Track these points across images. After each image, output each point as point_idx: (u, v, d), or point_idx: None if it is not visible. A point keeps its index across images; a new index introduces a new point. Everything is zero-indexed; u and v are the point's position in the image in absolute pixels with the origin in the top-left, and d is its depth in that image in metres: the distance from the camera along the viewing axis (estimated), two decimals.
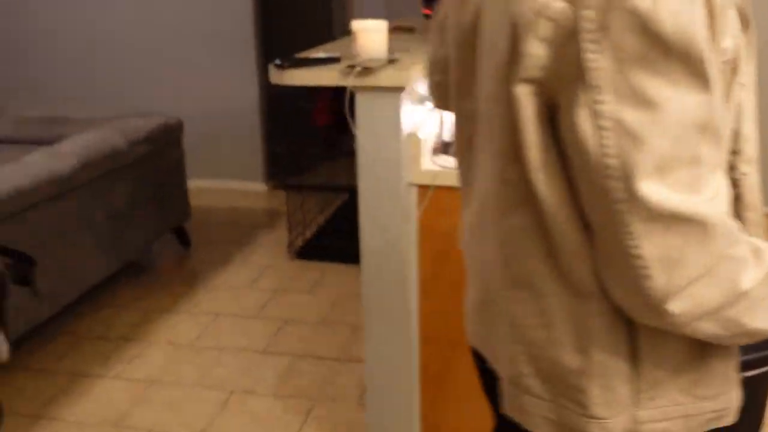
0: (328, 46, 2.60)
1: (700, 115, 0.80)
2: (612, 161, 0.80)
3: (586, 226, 0.90)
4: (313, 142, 4.97)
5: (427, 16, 4.07)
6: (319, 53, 2.31)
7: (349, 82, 2.00)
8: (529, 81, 0.86)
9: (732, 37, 0.88)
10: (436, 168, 2.16)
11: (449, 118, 2.28)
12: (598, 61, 0.79)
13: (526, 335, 1.00)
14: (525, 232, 0.96)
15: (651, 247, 0.81)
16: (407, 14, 4.75)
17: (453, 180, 2.16)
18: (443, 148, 2.28)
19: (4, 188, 2.87)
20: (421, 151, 2.15)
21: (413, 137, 2.12)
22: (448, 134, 2.28)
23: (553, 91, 0.86)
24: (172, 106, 5.10)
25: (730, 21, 0.87)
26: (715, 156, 0.83)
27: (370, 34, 2.11)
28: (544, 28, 0.82)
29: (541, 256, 0.95)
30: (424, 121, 2.31)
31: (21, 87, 5.57)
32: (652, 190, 0.79)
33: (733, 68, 0.90)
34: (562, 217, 0.91)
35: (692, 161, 0.80)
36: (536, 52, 0.84)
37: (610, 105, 0.79)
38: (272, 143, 5.45)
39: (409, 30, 3.30)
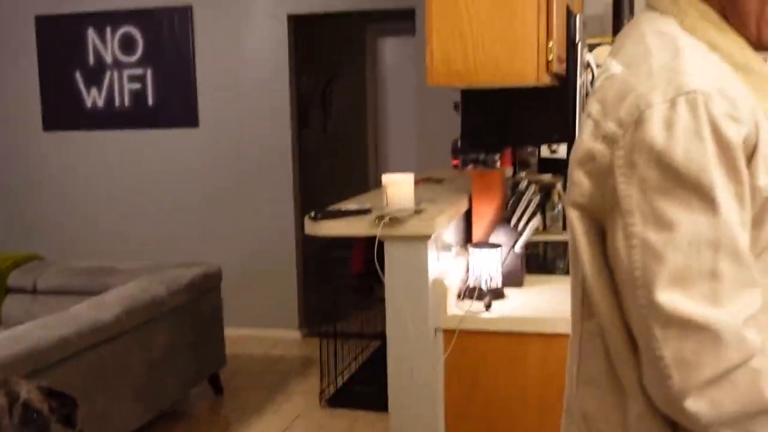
0: (361, 197, 2.73)
1: (712, 234, 0.92)
2: (638, 273, 0.95)
3: (629, 331, 1.02)
4: (347, 290, 5.05)
5: (456, 167, 4.25)
6: (351, 205, 2.43)
7: (378, 231, 2.10)
8: (577, 205, 1.05)
9: None
10: (461, 313, 2.21)
11: (473, 263, 2.35)
12: (628, 191, 0.96)
13: (592, 428, 1.12)
14: (593, 336, 1.10)
15: (670, 349, 0.92)
16: (438, 165, 4.94)
17: (478, 324, 2.20)
18: (468, 292, 2.34)
19: (51, 337, 2.97)
20: (447, 296, 2.21)
21: (439, 283, 2.19)
22: (473, 279, 2.34)
23: (599, 215, 1.03)
24: (212, 253, 5.26)
25: None
26: (739, 273, 0.93)
27: (398, 187, 2.23)
28: (589, 164, 1.02)
29: (603, 356, 1.08)
30: (450, 268, 2.39)
31: (69, 238, 5.79)
32: (668, 298, 0.92)
33: None
34: (610, 322, 1.04)
35: (711, 276, 0.92)
36: (582, 181, 1.03)
37: (638, 227, 0.95)
38: (308, 291, 5.54)
39: (438, 181, 3.45)
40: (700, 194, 0.92)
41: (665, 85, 0.95)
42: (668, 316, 0.92)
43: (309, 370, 4.80)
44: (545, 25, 2.13)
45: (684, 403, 0.93)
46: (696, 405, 0.93)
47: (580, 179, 1.03)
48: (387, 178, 2.23)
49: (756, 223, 0.98)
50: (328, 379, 4.37)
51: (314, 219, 2.18)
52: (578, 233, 1.06)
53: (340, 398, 4.25)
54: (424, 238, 2.12)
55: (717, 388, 0.92)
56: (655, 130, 0.93)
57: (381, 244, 2.14)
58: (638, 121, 0.95)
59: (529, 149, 4.12)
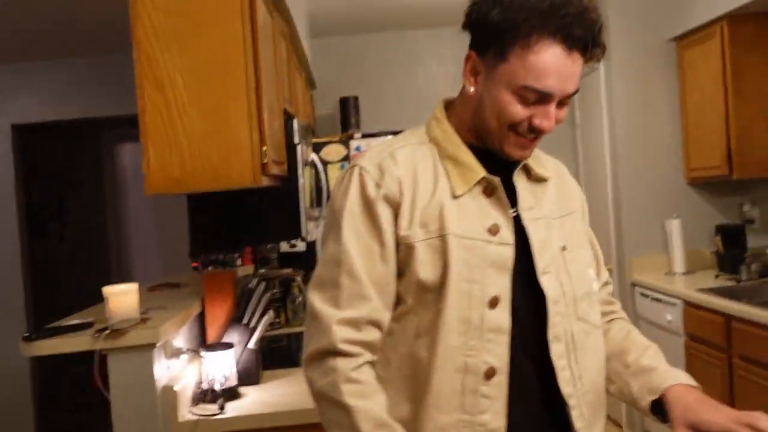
0: (87, 311, 2.57)
1: (338, 257, 1.30)
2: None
3: None
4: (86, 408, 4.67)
5: (195, 269, 4.17)
6: (74, 320, 2.29)
7: (99, 345, 1.98)
8: None
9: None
10: (195, 418, 2.14)
11: (206, 365, 2.29)
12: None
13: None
14: None
15: (305, 329, 1.33)
16: (183, 269, 4.82)
17: (212, 427, 2.14)
18: (203, 396, 2.27)
19: None
20: (178, 403, 2.13)
21: (169, 391, 2.10)
22: (206, 382, 2.28)
23: None
24: None
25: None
26: (354, 287, 1.28)
27: (121, 297, 2.13)
28: None
29: None
30: (183, 373, 2.31)
31: None
32: (311, 295, 1.33)
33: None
34: None
35: (334, 285, 1.30)
36: None
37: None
38: (42, 416, 5.04)
39: (175, 285, 3.35)
40: (336, 230, 1.32)
41: (353, 164, 1.37)
42: (309, 306, 1.32)
43: None
44: (258, 132, 2.20)
45: (304, 370, 1.31)
46: (307, 373, 1.30)
47: None
48: (108, 290, 2.12)
49: (403, 263, 1.31)
50: None
51: (28, 339, 2.01)
52: None
53: None
54: (149, 347, 2.04)
55: (313, 365, 1.28)
56: (333, 187, 1.40)
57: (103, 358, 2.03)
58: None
59: (269, 246, 4.17)
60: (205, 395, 2.26)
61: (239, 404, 2.25)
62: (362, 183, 1.32)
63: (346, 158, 4.42)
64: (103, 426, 4.94)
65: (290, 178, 2.86)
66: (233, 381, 2.32)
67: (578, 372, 1.32)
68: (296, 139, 2.92)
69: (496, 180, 1.32)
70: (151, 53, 2.16)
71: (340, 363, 1.25)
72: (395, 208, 1.30)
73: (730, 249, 4.09)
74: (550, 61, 1.23)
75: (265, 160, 2.23)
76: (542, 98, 1.26)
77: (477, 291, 1.27)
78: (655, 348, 1.44)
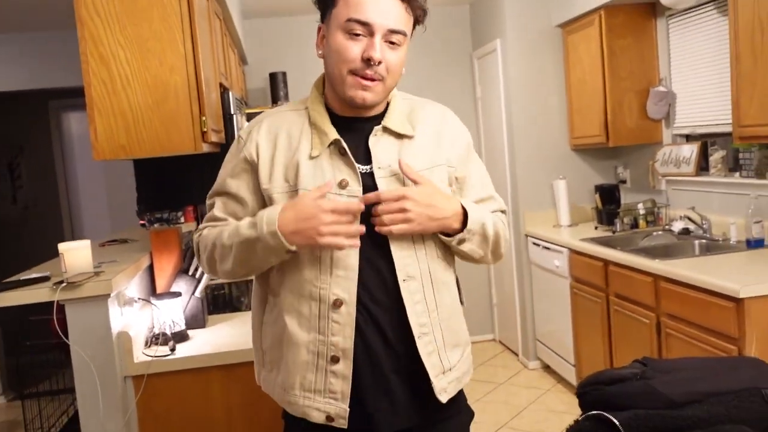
0: (42, 266, 2.48)
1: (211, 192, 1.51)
2: None
3: None
4: (53, 351, 4.53)
5: (143, 226, 4.06)
6: (31, 274, 2.21)
7: (57, 296, 1.93)
8: None
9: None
10: (149, 359, 2.11)
11: (156, 312, 2.26)
12: None
13: None
14: None
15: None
16: (130, 226, 4.68)
17: (165, 366, 2.12)
18: (155, 339, 2.24)
19: None
20: (133, 346, 2.09)
21: (124, 335, 2.07)
22: (157, 327, 2.25)
23: None
24: None
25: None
26: (211, 215, 1.48)
27: (75, 252, 2.07)
28: None
29: None
30: (136, 319, 2.27)
31: None
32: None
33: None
34: None
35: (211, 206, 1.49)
36: None
37: None
38: (9, 357, 4.88)
39: (123, 241, 3.27)
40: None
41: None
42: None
43: None
44: (198, 104, 2.15)
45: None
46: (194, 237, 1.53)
47: None
48: (63, 246, 2.06)
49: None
50: None
51: None
52: None
53: None
54: (104, 297, 2.00)
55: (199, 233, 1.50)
56: None
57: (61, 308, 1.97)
58: None
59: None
60: (157, 339, 2.23)
61: (188, 346, 2.23)
62: (235, 145, 1.48)
63: None
64: (65, 365, 4.82)
65: (227, 144, 2.81)
66: (182, 325, 2.30)
67: (434, 303, 1.39)
68: (232, 110, 2.86)
69: (343, 142, 1.37)
70: (95, 31, 2.08)
71: (196, 236, 1.51)
72: (253, 165, 1.41)
73: (606, 205, 4.26)
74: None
75: (205, 129, 2.19)
76: (366, 30, 1.30)
77: None
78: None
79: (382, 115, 1.42)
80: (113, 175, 4.90)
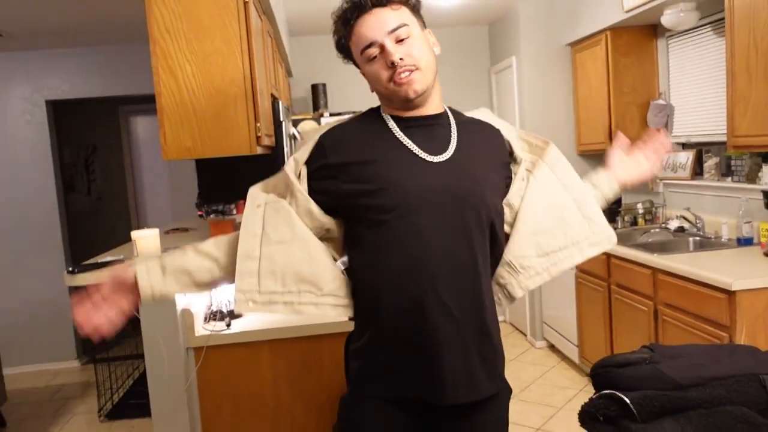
0: (115, 250, 2.52)
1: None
2: None
3: None
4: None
5: (201, 217, 4.10)
6: (106, 257, 2.24)
7: None
8: None
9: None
10: (207, 332, 2.13)
11: (214, 292, 2.28)
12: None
13: None
14: None
15: None
16: (189, 217, 4.73)
17: (222, 339, 2.14)
18: (212, 316, 2.26)
19: None
20: (194, 322, 2.12)
21: (187, 312, 2.09)
22: (215, 305, 2.27)
23: None
24: None
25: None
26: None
27: (146, 240, 2.09)
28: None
29: None
30: (196, 298, 2.29)
31: None
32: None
33: None
34: None
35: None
36: None
37: None
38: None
39: (185, 230, 3.30)
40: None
41: None
42: None
43: (88, 392, 4.30)
44: (253, 112, 2.16)
45: None
46: None
47: None
48: (136, 234, 2.08)
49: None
50: (105, 398, 3.95)
51: (71, 273, 1.96)
52: None
53: (118, 412, 3.86)
54: None
55: None
56: None
57: None
58: None
59: None
60: (215, 315, 2.25)
61: (242, 322, 2.25)
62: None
63: None
64: (131, 334, 4.90)
65: (277, 147, 2.82)
66: None
67: None
68: (281, 117, 2.87)
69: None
70: (165, 47, 2.09)
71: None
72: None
73: (609, 205, 4.19)
74: (361, 29, 1.28)
75: (259, 134, 2.20)
76: (377, 48, 1.26)
77: None
78: None
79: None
80: (176, 173, 4.95)
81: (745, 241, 3.04)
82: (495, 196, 1.31)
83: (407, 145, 1.27)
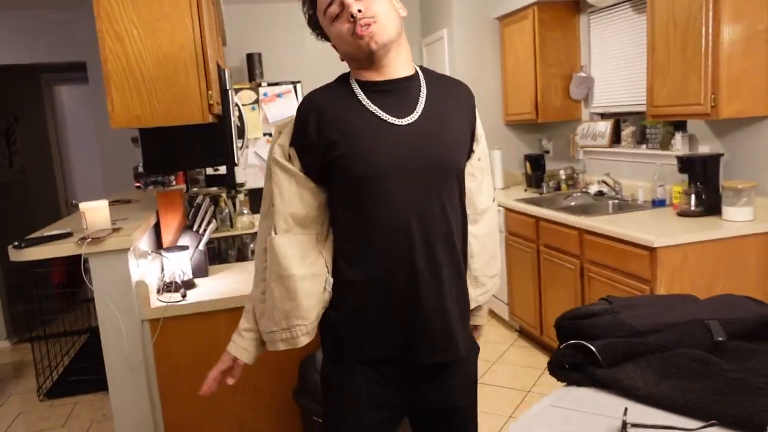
0: (57, 224, 2.35)
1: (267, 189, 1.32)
2: None
3: None
4: (50, 300, 4.34)
5: (139, 188, 3.89)
6: (52, 231, 2.08)
7: (84, 250, 1.83)
8: None
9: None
10: (162, 304, 2.04)
11: (167, 264, 2.18)
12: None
13: None
14: None
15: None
16: (123, 188, 4.49)
17: (177, 311, 2.05)
18: (166, 287, 2.17)
19: None
20: (149, 293, 2.02)
21: (141, 284, 1.99)
22: (168, 276, 2.18)
23: None
24: None
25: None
26: (274, 212, 1.28)
27: (96, 211, 1.96)
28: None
29: None
30: (148, 270, 2.19)
31: None
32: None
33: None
34: None
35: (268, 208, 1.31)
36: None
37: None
38: (13, 305, 4.65)
39: (127, 201, 3.13)
40: (269, 174, 1.33)
41: None
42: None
43: (23, 372, 4.05)
44: (205, 80, 2.05)
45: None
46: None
47: None
48: (84, 205, 1.94)
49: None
50: (44, 376, 3.74)
51: (18, 247, 1.82)
52: None
53: (58, 390, 3.66)
54: (125, 251, 1.91)
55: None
56: None
57: (85, 260, 1.87)
58: None
59: (197, 170, 3.96)
60: (169, 287, 2.15)
61: (196, 292, 2.17)
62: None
63: (256, 101, 4.22)
64: (65, 311, 4.60)
65: (224, 116, 2.70)
66: (189, 275, 2.23)
67: None
68: (228, 86, 2.74)
69: None
70: (109, 9, 1.93)
71: (269, 243, 1.35)
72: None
73: (534, 171, 4.33)
74: None
75: (211, 102, 2.09)
76: (338, 6, 1.23)
77: None
78: None
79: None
80: (107, 144, 4.65)
81: (658, 203, 3.23)
82: (461, 154, 1.31)
83: (372, 110, 1.24)
